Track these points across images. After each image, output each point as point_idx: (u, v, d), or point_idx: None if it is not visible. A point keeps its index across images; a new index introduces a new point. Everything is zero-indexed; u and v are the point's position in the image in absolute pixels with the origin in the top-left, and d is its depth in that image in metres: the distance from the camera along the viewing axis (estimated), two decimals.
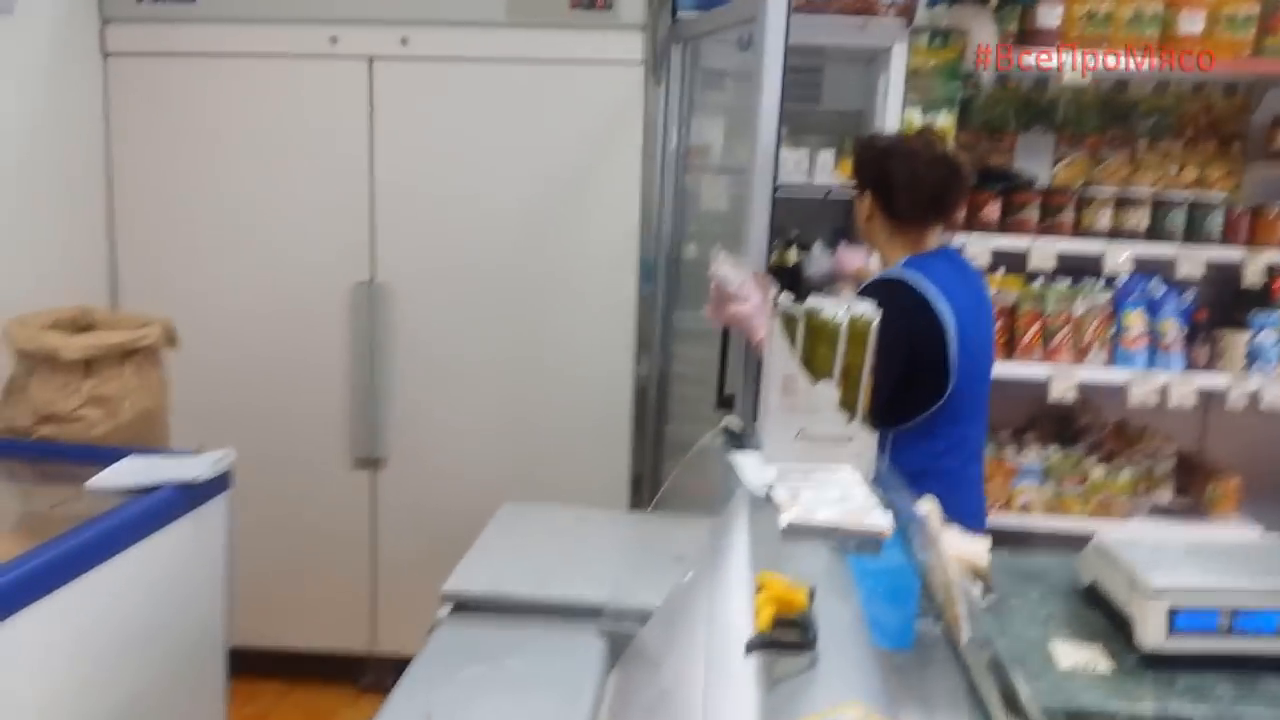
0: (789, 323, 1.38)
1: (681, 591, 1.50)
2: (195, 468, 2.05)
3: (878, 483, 1.37)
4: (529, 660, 1.60)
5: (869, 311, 1.39)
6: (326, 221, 3.06)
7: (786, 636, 0.87)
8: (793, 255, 3.14)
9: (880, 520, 1.17)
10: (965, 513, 1.90)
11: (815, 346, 1.38)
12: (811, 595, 0.94)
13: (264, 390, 3.12)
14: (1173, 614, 1.51)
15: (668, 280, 3.15)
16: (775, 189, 2.48)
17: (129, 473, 2.03)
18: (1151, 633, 1.52)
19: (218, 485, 2.14)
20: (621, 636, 1.63)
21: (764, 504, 1.30)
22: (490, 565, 1.91)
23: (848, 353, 1.37)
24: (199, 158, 3.04)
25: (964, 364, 2.05)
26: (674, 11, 2.98)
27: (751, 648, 0.85)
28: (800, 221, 3.20)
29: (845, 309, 1.38)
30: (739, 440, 1.53)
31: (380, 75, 2.98)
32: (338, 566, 3.20)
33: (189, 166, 3.05)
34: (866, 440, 1.36)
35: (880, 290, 2.08)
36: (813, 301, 1.42)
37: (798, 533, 1.16)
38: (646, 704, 1.39)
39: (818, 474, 1.33)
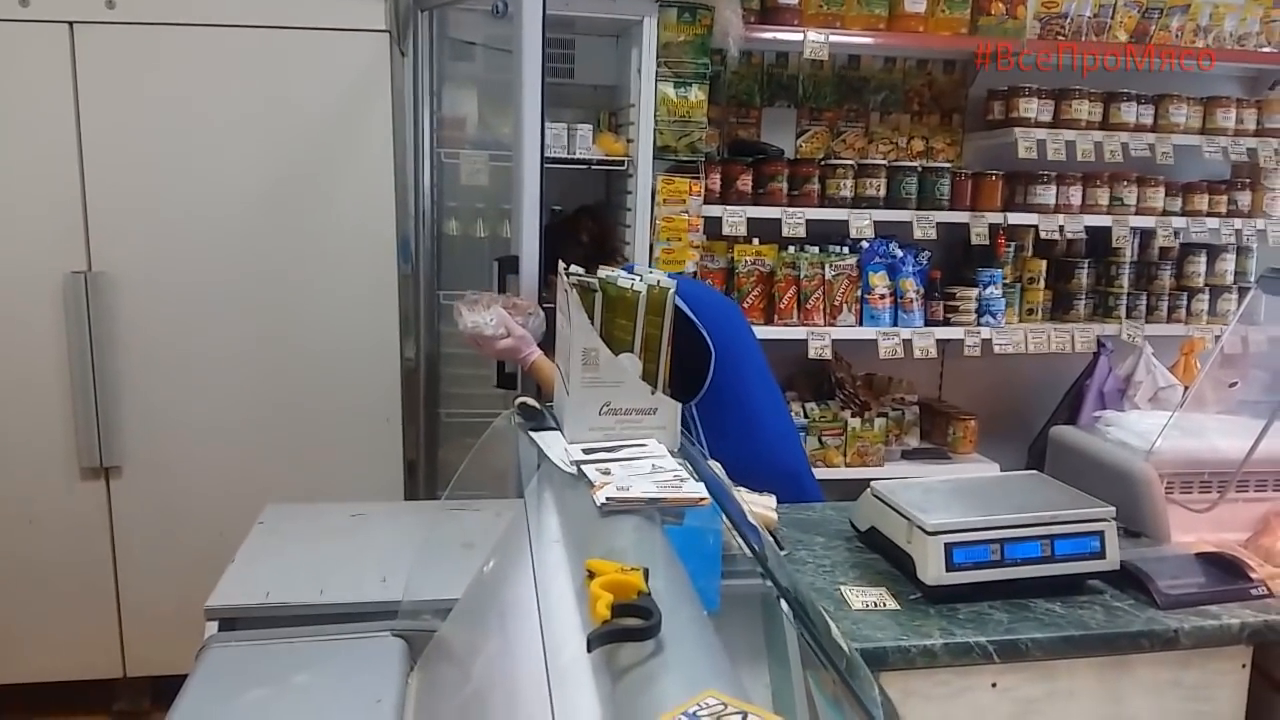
0: (586, 294, 1.33)
1: (485, 582, 1.42)
2: None
3: (680, 452, 1.35)
4: (318, 673, 1.44)
5: (665, 279, 1.36)
6: (27, 206, 2.69)
7: (631, 624, 0.82)
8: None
9: (698, 489, 1.15)
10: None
11: (614, 318, 1.34)
12: (646, 576, 0.90)
13: None
14: (950, 550, 1.62)
15: (431, 258, 3.02)
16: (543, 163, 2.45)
17: None
18: (932, 569, 1.62)
19: None
20: (420, 635, 1.52)
21: (571, 483, 1.25)
22: (258, 574, 1.70)
23: (646, 323, 1.35)
24: None
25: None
26: None
27: (595, 642, 0.80)
28: (562, 194, 3.16)
29: (641, 278, 1.35)
30: (535, 418, 1.47)
31: (84, 42, 2.64)
32: (75, 587, 2.87)
33: None
34: (670, 411, 1.33)
35: None
36: (608, 272, 1.38)
37: (615, 509, 1.12)
38: (459, 705, 1.31)
39: (625, 449, 1.30)
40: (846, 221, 3.33)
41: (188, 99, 2.71)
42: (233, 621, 1.60)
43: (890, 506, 1.75)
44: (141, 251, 2.75)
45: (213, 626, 1.58)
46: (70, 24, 2.63)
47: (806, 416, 3.43)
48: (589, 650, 0.81)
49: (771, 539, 1.65)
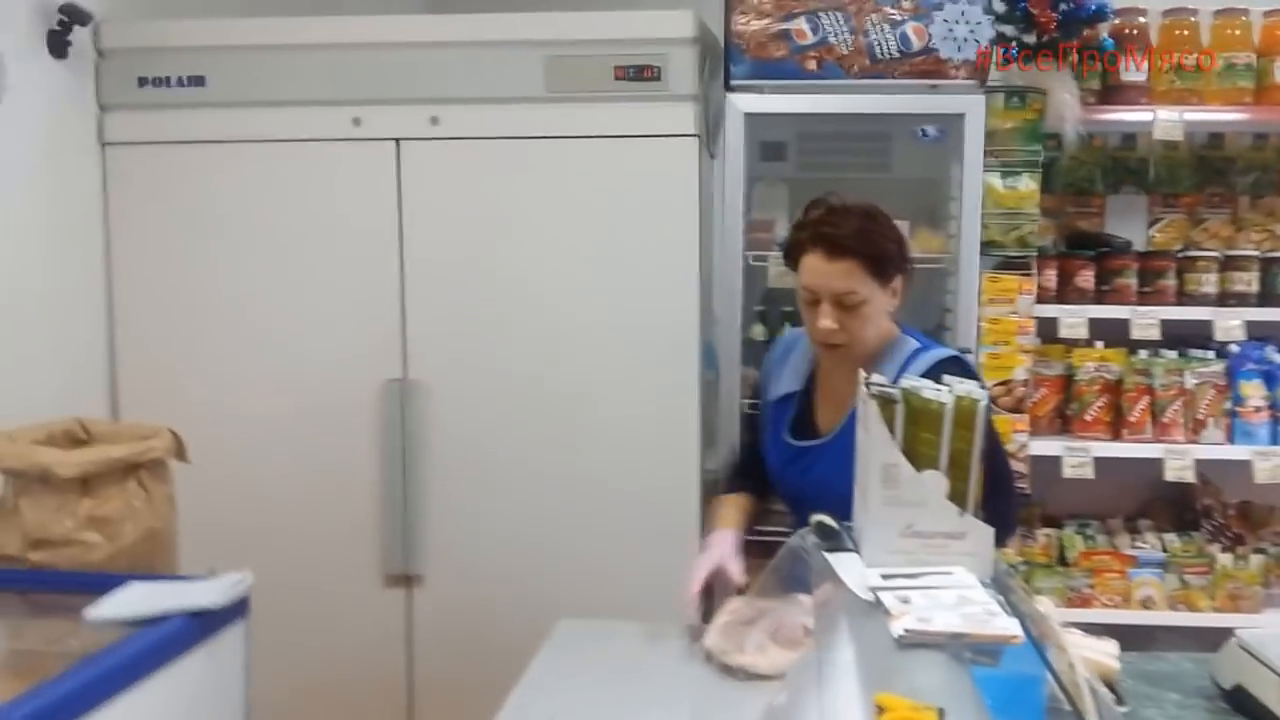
0: (886, 406, 1.32)
1: (775, 715, 1.42)
2: (208, 594, 1.93)
3: (993, 584, 1.30)
4: None
5: (975, 390, 1.33)
6: (352, 316, 2.96)
7: None
8: None
9: (1009, 625, 1.10)
10: None
11: (917, 432, 1.33)
12: (941, 717, 0.87)
13: (283, 505, 2.97)
14: None
15: (734, 366, 3.09)
16: None
17: (133, 601, 1.91)
18: None
19: (234, 612, 2.01)
20: None
21: (868, 612, 1.23)
22: (547, 694, 1.78)
23: (954, 437, 1.32)
24: (208, 253, 2.96)
25: None
26: (727, 80, 2.95)
27: None
28: None
29: (949, 389, 1.33)
30: (833, 539, 1.46)
31: (408, 157, 2.91)
32: (370, 697, 3.02)
33: (196, 263, 2.97)
34: (980, 536, 1.29)
35: (958, 368, 1.96)
36: (910, 381, 1.37)
37: (914, 642, 1.09)
38: None
39: (927, 576, 1.26)
40: (1211, 322, 3.08)
41: (504, 210, 2.92)
42: None
43: (1260, 660, 1.59)
44: (453, 360, 2.95)
45: None
46: (397, 140, 2.91)
47: (1165, 550, 3.15)
48: None
49: (1110, 694, 1.53)
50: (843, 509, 1.86)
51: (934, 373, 1.98)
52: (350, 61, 2.89)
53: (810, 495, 1.92)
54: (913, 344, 2.08)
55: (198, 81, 2.92)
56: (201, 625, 1.91)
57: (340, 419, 2.98)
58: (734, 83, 2.95)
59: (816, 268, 1.94)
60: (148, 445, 2.25)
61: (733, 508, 2.20)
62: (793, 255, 2.02)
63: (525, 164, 2.92)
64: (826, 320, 1.94)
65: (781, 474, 2.05)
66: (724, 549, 2.05)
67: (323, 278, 2.97)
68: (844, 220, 1.98)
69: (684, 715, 1.65)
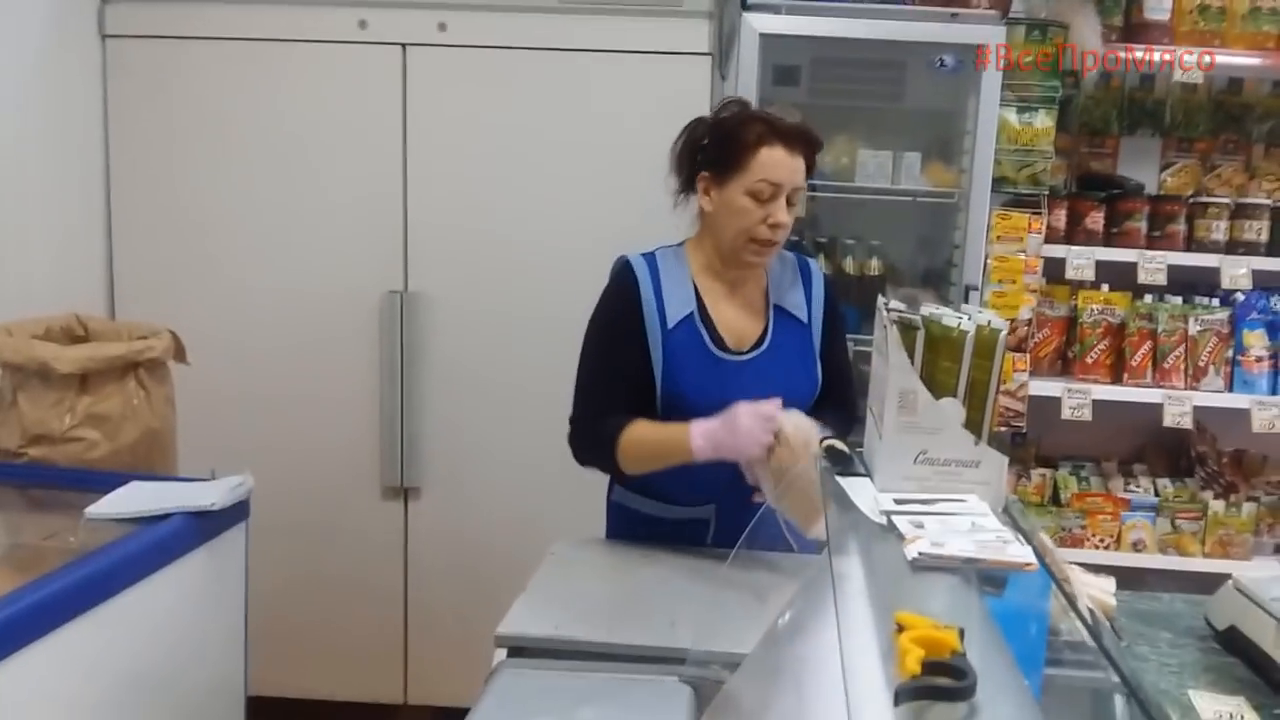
0: (907, 331, 1.31)
1: (779, 635, 1.43)
2: (209, 494, 1.94)
3: (1004, 513, 1.30)
4: (604, 711, 1.49)
5: (995, 320, 1.32)
6: (353, 225, 2.95)
7: (943, 683, 0.80)
8: (875, 264, 3.08)
9: (1023, 553, 1.10)
10: None
11: (937, 359, 1.32)
12: (961, 636, 0.88)
13: (282, 414, 2.99)
14: None
15: None
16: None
17: (134, 500, 1.92)
18: None
19: (235, 514, 2.03)
20: (708, 684, 1.55)
21: (880, 535, 1.24)
22: (548, 607, 1.78)
23: (974, 366, 1.31)
24: (209, 152, 2.94)
25: None
26: (743, 0, 2.91)
27: (903, 697, 0.79)
28: (884, 229, 3.14)
29: (969, 317, 1.32)
30: (843, 462, 1.46)
31: (415, 64, 2.88)
32: (366, 607, 3.07)
33: (195, 162, 2.94)
34: (995, 465, 1.28)
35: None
36: (932, 308, 1.36)
37: (928, 565, 1.09)
38: None
39: (941, 503, 1.26)
40: (1218, 269, 3.08)
41: (510, 122, 2.90)
42: (521, 650, 1.68)
43: (1256, 603, 1.62)
44: (457, 273, 2.96)
45: (501, 654, 1.67)
46: (404, 45, 2.87)
47: (1159, 495, 3.18)
48: (895, 704, 0.80)
49: (1110, 627, 1.55)
50: None
51: (828, 283, 2.15)
52: None
53: (735, 403, 1.92)
54: (782, 251, 2.11)
55: None
56: (203, 526, 1.92)
57: (339, 329, 2.98)
58: (750, 1, 2.89)
59: (783, 161, 1.94)
60: (147, 344, 2.25)
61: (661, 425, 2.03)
62: (743, 151, 1.96)
63: (534, 76, 2.88)
64: (783, 214, 1.95)
65: (700, 391, 1.98)
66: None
67: (324, 184, 2.95)
68: (791, 114, 2.01)
69: (687, 631, 1.66)
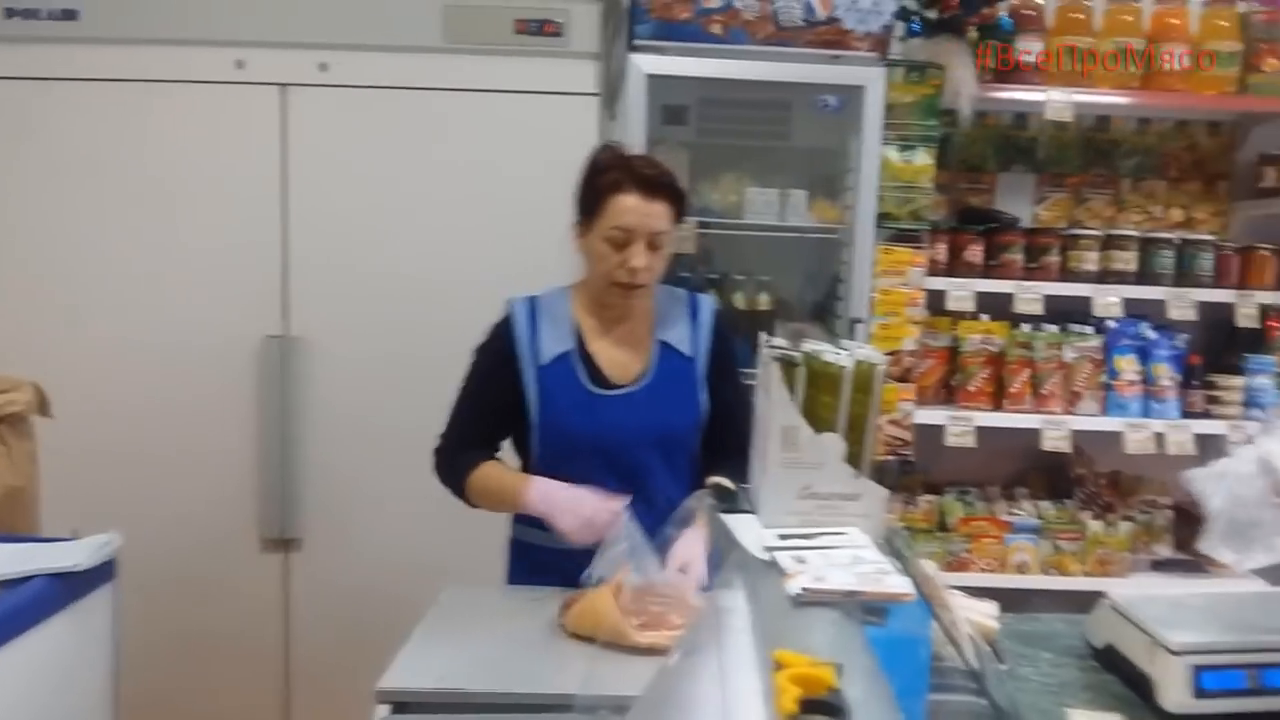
0: (788, 369, 1.34)
1: (668, 676, 1.43)
2: (73, 554, 1.86)
3: (884, 544, 1.34)
4: None
5: (873, 355, 1.36)
6: (230, 269, 2.87)
7: None
8: (764, 299, 3.13)
9: (901, 584, 1.13)
10: None
11: (817, 395, 1.35)
12: (838, 672, 0.90)
13: (154, 465, 2.88)
14: (1197, 673, 1.51)
15: None
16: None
17: None
18: (1175, 694, 1.51)
19: (100, 575, 1.94)
20: None
21: (764, 571, 1.26)
22: (434, 657, 1.73)
23: (852, 401, 1.35)
24: (79, 197, 2.85)
25: None
26: (630, 40, 2.93)
27: None
28: (772, 264, 3.19)
29: (848, 353, 1.36)
30: (729, 501, 1.48)
31: (295, 105, 2.83)
32: (245, 665, 2.96)
33: (64, 207, 2.85)
34: (876, 497, 1.32)
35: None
36: (812, 345, 1.40)
37: (810, 601, 1.12)
38: None
39: (822, 536, 1.29)
40: (1090, 298, 3.20)
41: (394, 163, 2.87)
42: (405, 706, 1.63)
43: (1130, 621, 1.66)
44: (339, 316, 2.89)
45: (383, 710, 1.62)
46: (283, 86, 2.82)
47: (1040, 517, 3.28)
48: None
49: (991, 651, 1.59)
50: (650, 452, 2.07)
51: (717, 317, 2.18)
52: None
53: (612, 437, 2.06)
54: (673, 288, 2.22)
55: (70, 15, 2.79)
56: (67, 588, 1.84)
57: (216, 376, 2.90)
58: (637, 43, 2.92)
59: (635, 207, 1.99)
60: (8, 398, 2.16)
61: (508, 469, 2.16)
62: (598, 197, 2.03)
63: (419, 116, 2.86)
64: (640, 259, 1.99)
65: (575, 425, 2.05)
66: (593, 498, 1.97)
67: (200, 228, 2.87)
68: (651, 162, 2.08)
69: (575, 677, 1.65)
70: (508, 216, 2.87)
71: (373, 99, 2.85)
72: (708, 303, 2.23)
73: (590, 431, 2.05)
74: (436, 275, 2.89)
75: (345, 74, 2.83)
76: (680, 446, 2.15)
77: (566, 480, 2.02)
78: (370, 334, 2.91)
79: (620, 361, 2.12)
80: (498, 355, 2.11)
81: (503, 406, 2.10)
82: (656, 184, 2.01)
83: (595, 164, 2.08)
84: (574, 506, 1.94)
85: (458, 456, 2.13)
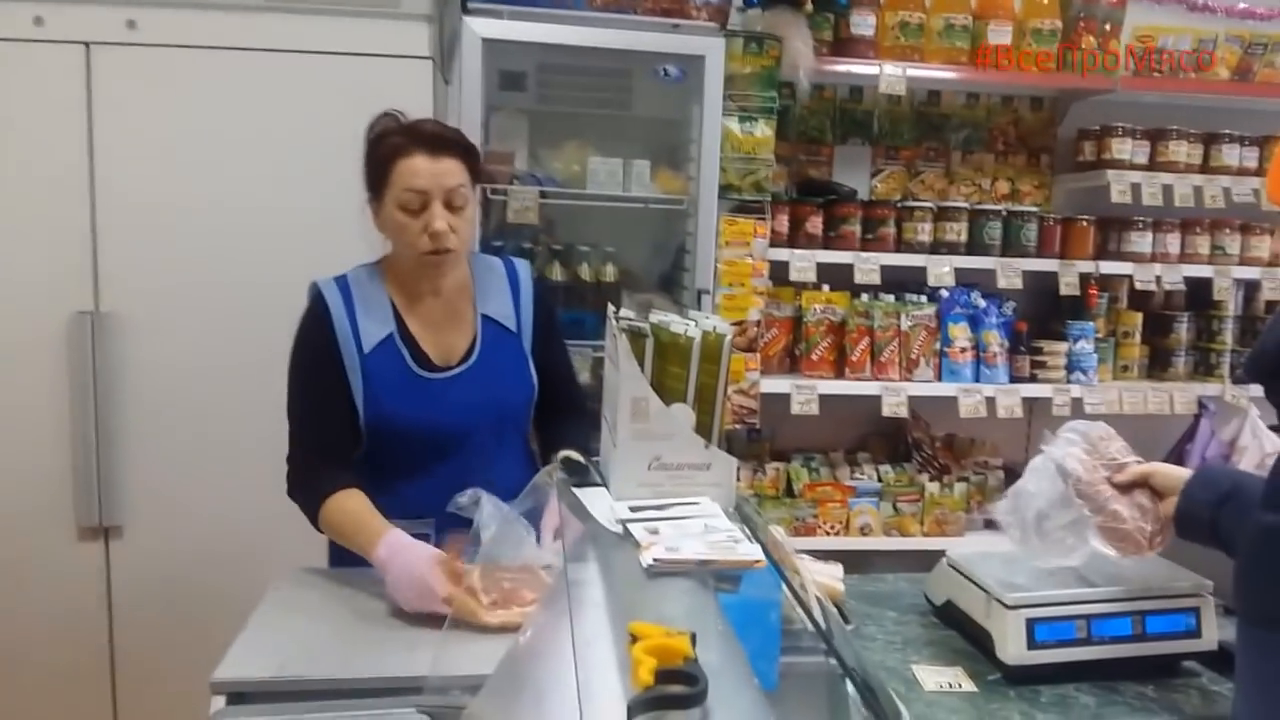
0: (636, 340, 1.33)
1: (520, 653, 1.41)
2: None
3: (735, 512, 1.34)
4: None
5: (721, 325, 1.36)
6: (34, 241, 2.68)
7: (675, 691, 0.81)
8: (610, 270, 3.12)
9: (752, 551, 1.13)
10: None
11: (666, 366, 1.34)
12: (693, 641, 0.89)
13: None
14: (1032, 626, 1.58)
15: None
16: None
17: None
18: (1012, 647, 1.58)
19: None
20: (449, 710, 1.50)
21: (616, 543, 1.24)
22: (271, 644, 1.66)
23: (701, 371, 1.34)
24: None
25: None
26: (465, 2, 2.85)
27: (637, 709, 0.79)
28: (618, 235, 3.18)
29: (696, 324, 1.35)
30: (580, 474, 1.46)
31: (100, 65, 2.65)
32: (67, 661, 2.80)
33: None
34: (726, 466, 1.32)
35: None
36: (659, 316, 1.38)
37: (663, 571, 1.11)
38: None
39: (674, 507, 1.29)
40: (924, 268, 3.31)
41: (210, 129, 2.71)
42: (242, 696, 1.56)
43: (967, 578, 1.73)
44: (155, 290, 2.74)
45: (219, 701, 1.54)
46: (87, 44, 2.64)
47: (880, 480, 3.38)
48: (630, 718, 0.80)
49: (837, 612, 1.62)
50: (485, 433, 2.00)
51: (537, 284, 2.13)
52: None
53: (446, 422, 1.96)
54: (490, 256, 2.16)
55: None
56: None
57: (23, 355, 2.72)
58: (472, 5, 2.86)
59: (422, 168, 1.90)
60: None
61: (367, 509, 1.93)
62: (384, 165, 1.92)
63: (236, 79, 2.71)
64: (440, 221, 1.90)
65: (405, 414, 1.95)
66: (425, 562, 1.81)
67: None
68: (434, 121, 2.01)
69: (424, 658, 1.60)
70: (331, 184, 2.69)
71: (185, 60, 2.68)
72: (525, 269, 2.15)
73: (421, 418, 1.94)
74: (256, 246, 2.75)
75: (155, 32, 2.66)
76: (514, 424, 2.09)
77: (398, 473, 1.96)
78: (188, 309, 2.75)
79: (444, 341, 2.01)
80: (319, 348, 1.95)
81: (341, 400, 1.94)
82: (441, 140, 1.92)
83: (375, 133, 1.97)
84: (408, 580, 1.78)
85: (314, 475, 1.94)
